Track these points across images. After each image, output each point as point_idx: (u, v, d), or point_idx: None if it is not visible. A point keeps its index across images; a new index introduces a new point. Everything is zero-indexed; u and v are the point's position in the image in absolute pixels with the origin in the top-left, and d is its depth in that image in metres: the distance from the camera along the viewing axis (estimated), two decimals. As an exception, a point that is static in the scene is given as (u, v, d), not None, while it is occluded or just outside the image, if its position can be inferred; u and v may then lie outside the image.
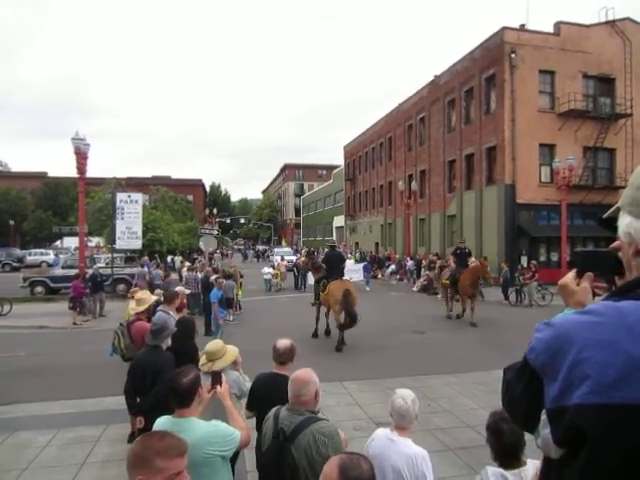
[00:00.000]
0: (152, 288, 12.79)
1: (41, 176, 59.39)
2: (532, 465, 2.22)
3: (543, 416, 0.98)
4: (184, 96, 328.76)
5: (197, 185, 68.08)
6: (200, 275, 14.74)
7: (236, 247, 71.56)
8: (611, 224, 1.13)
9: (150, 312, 5.83)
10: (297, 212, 77.06)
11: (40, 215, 53.67)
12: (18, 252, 39.67)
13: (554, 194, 21.32)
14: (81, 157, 15.64)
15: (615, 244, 1.12)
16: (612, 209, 1.12)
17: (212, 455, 2.45)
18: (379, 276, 27.68)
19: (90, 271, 15.64)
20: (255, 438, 3.00)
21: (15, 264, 35.54)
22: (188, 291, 10.99)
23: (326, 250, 12.49)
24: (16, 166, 70.62)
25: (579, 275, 1.20)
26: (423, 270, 23.00)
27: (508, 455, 2.28)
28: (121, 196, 19.66)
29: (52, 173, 59.57)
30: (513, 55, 22.17)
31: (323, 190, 61.12)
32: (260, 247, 61.14)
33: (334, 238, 50.00)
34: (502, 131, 22.46)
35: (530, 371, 1.01)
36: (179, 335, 4.67)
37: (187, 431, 2.33)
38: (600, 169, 23.72)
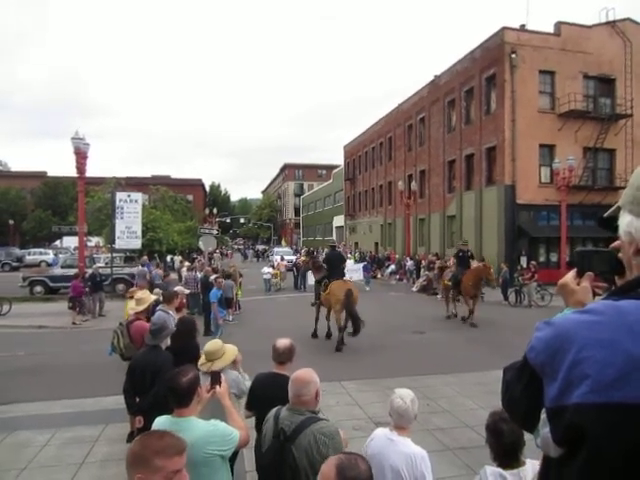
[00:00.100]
0: (152, 287, 12.79)
1: (41, 175, 59.38)
2: (531, 465, 2.22)
3: (543, 415, 0.98)
4: (184, 96, 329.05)
5: (197, 185, 68.08)
6: (199, 275, 14.74)
7: (236, 247, 71.57)
8: (610, 224, 1.13)
9: (149, 312, 5.83)
10: (297, 212, 77.07)
11: (39, 215, 53.67)
12: (17, 252, 39.63)
13: (554, 195, 21.32)
14: (81, 157, 15.64)
15: (615, 244, 1.11)
16: (612, 208, 1.11)
17: (211, 455, 2.44)
18: (378, 276, 27.69)
19: (89, 271, 15.63)
20: (254, 438, 3.00)
21: (14, 264, 35.51)
22: (187, 291, 10.99)
23: (327, 250, 12.48)
24: (16, 165, 70.69)
25: (579, 275, 1.20)
26: (422, 270, 23.00)
27: (507, 455, 2.28)
28: (121, 196, 19.66)
29: (52, 173, 59.62)
30: (513, 55, 22.18)
31: (323, 190, 61.12)
32: (260, 247, 61.14)
33: (334, 238, 50.00)
34: (502, 131, 22.47)
35: (530, 371, 1.01)
36: (181, 335, 4.67)
37: (186, 431, 2.33)
38: (600, 170, 23.73)
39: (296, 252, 40.42)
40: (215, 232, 29.09)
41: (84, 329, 13.11)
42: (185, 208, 44.98)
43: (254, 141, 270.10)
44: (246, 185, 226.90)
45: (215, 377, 2.91)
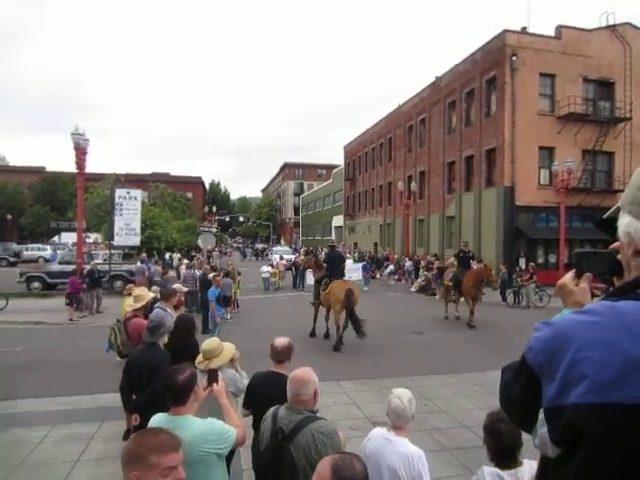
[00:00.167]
0: (151, 284, 12.79)
1: (39, 171, 59.27)
2: (528, 466, 2.22)
3: (541, 415, 0.98)
4: (184, 94, 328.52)
5: (196, 182, 68.02)
6: (198, 273, 14.73)
7: (235, 245, 71.53)
8: (608, 227, 1.12)
9: (147, 309, 5.82)
10: (296, 211, 77.05)
11: (38, 210, 53.56)
12: (15, 247, 39.54)
13: (553, 196, 21.36)
14: (80, 152, 15.61)
15: (614, 245, 1.12)
16: (612, 209, 1.12)
17: (208, 453, 2.44)
18: (377, 276, 27.70)
19: (87, 267, 15.61)
20: (251, 437, 2.99)
21: (12, 259, 35.41)
22: (186, 289, 10.99)
23: (327, 250, 12.45)
24: (14, 160, 70.53)
25: (578, 275, 1.20)
26: (421, 271, 23.01)
27: (505, 455, 2.29)
28: (120, 192, 19.62)
29: (51, 168, 59.51)
30: (514, 58, 22.21)
31: (323, 189, 61.12)
32: (259, 246, 61.13)
33: (333, 238, 50.02)
34: (502, 133, 22.50)
35: (528, 370, 1.01)
36: (180, 332, 4.66)
37: (183, 429, 2.32)
38: (599, 172, 23.79)
39: (295, 251, 40.42)
40: (214, 230, 29.06)
41: (81, 325, 13.08)
42: (184, 206, 44.97)
43: (254, 140, 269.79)
44: (246, 184, 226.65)
45: (212, 375, 2.90)
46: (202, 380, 2.88)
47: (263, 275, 21.19)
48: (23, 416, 6.12)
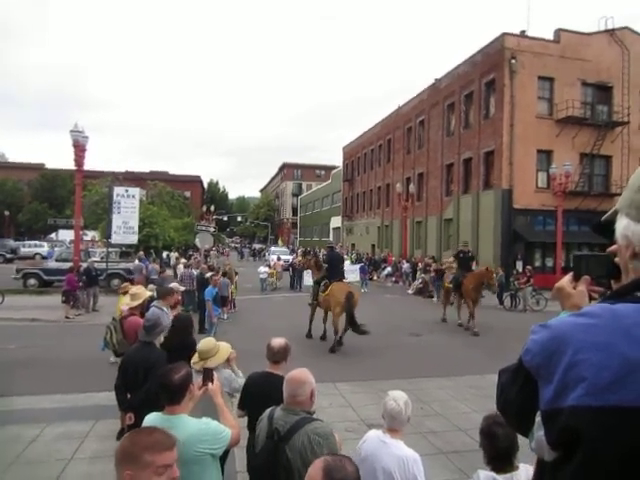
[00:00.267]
0: (148, 282, 12.75)
1: (38, 167, 59.12)
2: (524, 470, 2.22)
3: (537, 418, 0.97)
4: (184, 93, 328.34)
5: (195, 181, 67.92)
6: (195, 272, 14.70)
7: (232, 245, 71.46)
8: (605, 231, 1.12)
9: (144, 307, 5.80)
10: (294, 212, 77.05)
11: (36, 207, 53.42)
12: (12, 243, 39.39)
13: (550, 200, 21.43)
14: (79, 149, 15.59)
15: (612, 248, 1.11)
16: (610, 212, 1.11)
17: (202, 453, 2.43)
18: (374, 278, 27.71)
19: (84, 265, 15.55)
20: (246, 438, 2.98)
21: (8, 255, 35.28)
22: (183, 288, 10.95)
23: (327, 251, 12.38)
24: (14, 157, 70.28)
25: (576, 278, 1.20)
26: (419, 273, 23.03)
27: (501, 459, 2.28)
28: (118, 190, 19.58)
29: (50, 165, 59.36)
30: (513, 61, 22.28)
31: (321, 190, 61.14)
32: (256, 246, 61.09)
33: (331, 239, 50.02)
34: (500, 136, 22.55)
35: (525, 373, 1.00)
36: (177, 331, 4.65)
37: (177, 428, 2.31)
38: (596, 176, 23.87)
39: (293, 252, 40.39)
40: (212, 229, 29.03)
41: (77, 323, 13.04)
42: (182, 204, 44.93)
43: (253, 140, 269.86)
44: (244, 183, 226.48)
45: (207, 374, 2.89)
46: (197, 379, 2.87)
47: (261, 276, 21.17)
48: (17, 413, 6.09)
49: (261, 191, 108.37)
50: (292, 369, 2.65)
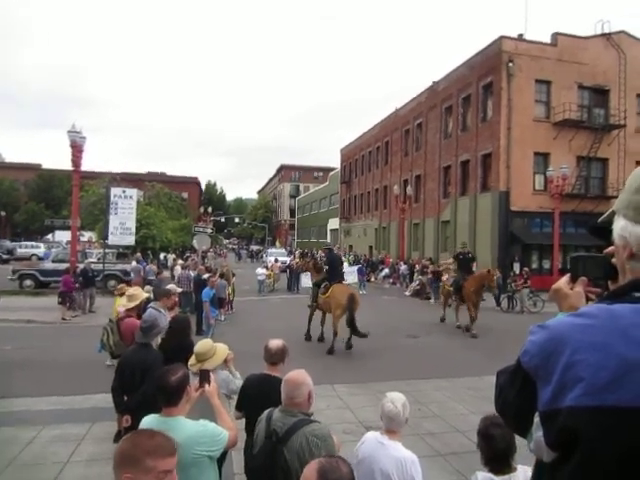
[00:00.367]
0: (145, 283, 12.71)
1: (35, 168, 58.95)
2: (522, 471, 2.22)
3: (536, 419, 0.98)
4: (182, 93, 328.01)
5: (192, 183, 67.86)
6: (193, 273, 14.67)
7: (230, 247, 71.36)
8: (602, 233, 1.13)
9: (141, 309, 5.78)
10: (292, 213, 77.02)
11: (32, 207, 53.25)
12: (8, 244, 39.22)
13: (547, 202, 21.50)
14: (77, 150, 15.54)
15: (609, 249, 1.12)
16: (607, 213, 1.12)
17: (200, 455, 2.42)
18: (372, 279, 27.72)
19: (81, 266, 15.50)
20: (244, 440, 2.97)
21: (5, 256, 35.11)
22: (180, 289, 10.92)
23: (326, 253, 12.31)
24: (11, 157, 70.07)
25: (573, 279, 1.20)
26: (416, 275, 23.05)
27: (499, 460, 2.28)
28: (115, 191, 19.54)
29: (47, 165, 59.20)
30: (510, 64, 22.37)
31: (319, 192, 61.16)
32: (254, 247, 61.04)
33: (328, 240, 50.05)
34: (498, 139, 22.63)
35: (523, 374, 1.00)
36: (175, 333, 4.63)
37: (175, 430, 2.30)
38: (593, 178, 23.98)
39: (290, 253, 40.36)
40: (209, 231, 29.01)
41: (73, 325, 12.99)
42: (180, 206, 44.89)
43: (252, 141, 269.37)
44: (242, 185, 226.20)
45: (204, 376, 2.88)
46: (194, 381, 2.86)
47: (258, 277, 21.13)
48: (13, 415, 6.06)
49: (259, 192, 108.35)
50: (290, 370, 2.65)
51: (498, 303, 17.57)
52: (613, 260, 1.10)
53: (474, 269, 13.91)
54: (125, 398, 4.08)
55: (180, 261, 21.21)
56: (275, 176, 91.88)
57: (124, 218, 19.05)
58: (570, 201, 22.02)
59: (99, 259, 20.11)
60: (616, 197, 1.11)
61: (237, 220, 78.57)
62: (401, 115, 34.57)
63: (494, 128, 23.06)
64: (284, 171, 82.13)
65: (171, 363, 3.00)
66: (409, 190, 28.59)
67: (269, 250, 42.66)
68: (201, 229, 25.77)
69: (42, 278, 19.29)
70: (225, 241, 77.33)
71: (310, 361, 8.25)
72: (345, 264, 23.32)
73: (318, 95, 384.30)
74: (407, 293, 22.24)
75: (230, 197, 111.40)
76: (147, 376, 3.77)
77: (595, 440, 0.85)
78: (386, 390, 3.06)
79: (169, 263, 26.58)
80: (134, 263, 19.05)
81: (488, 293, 13.61)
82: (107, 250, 20.34)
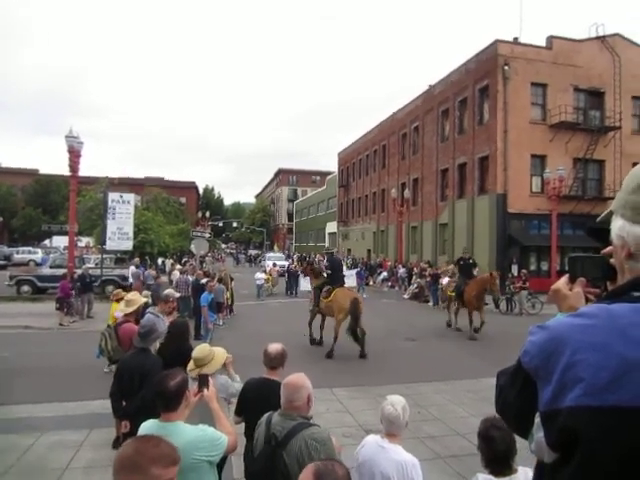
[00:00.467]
0: (145, 288, 12.67)
1: (32, 173, 58.90)
2: (523, 473, 2.21)
3: (537, 419, 0.98)
4: (179, 98, 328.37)
5: (190, 187, 67.90)
6: (191, 278, 14.64)
7: (228, 251, 71.32)
8: (598, 234, 1.13)
9: (139, 314, 5.76)
10: (290, 217, 77.05)
11: (30, 212, 53.17)
12: (5, 250, 39.07)
13: (545, 204, 21.56)
14: (74, 155, 15.53)
15: (607, 250, 1.12)
16: (605, 213, 1.12)
17: (199, 460, 2.40)
18: (370, 283, 27.72)
19: (79, 271, 15.45)
20: (243, 445, 2.95)
21: (2, 262, 34.93)
22: (178, 294, 10.90)
23: (328, 256, 12.25)
24: (8, 162, 69.92)
25: (571, 280, 1.21)
26: (414, 278, 23.06)
27: (499, 462, 2.28)
28: (113, 196, 19.54)
29: (44, 170, 59.16)
30: (506, 67, 22.49)
31: (316, 196, 61.22)
32: (252, 251, 61.01)
33: (327, 244, 50.07)
34: (494, 141, 22.72)
35: (524, 375, 1.00)
36: (174, 337, 4.62)
37: (174, 435, 2.28)
38: (590, 180, 24.07)
39: (288, 257, 40.36)
40: (207, 235, 29.00)
41: (71, 330, 12.92)
42: (178, 210, 44.91)
43: (249, 146, 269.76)
44: (240, 189, 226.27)
45: (203, 380, 2.87)
46: (193, 386, 2.85)
47: (257, 282, 21.09)
48: (11, 422, 6.02)
49: (256, 197, 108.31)
50: (289, 374, 2.65)
51: (497, 305, 17.59)
52: (611, 260, 1.10)
53: (475, 274, 13.84)
54: (124, 403, 4.07)
55: (178, 266, 21.17)
56: (273, 180, 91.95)
57: (122, 223, 19.04)
58: (567, 203, 22.09)
59: (97, 264, 20.06)
60: (613, 198, 1.11)
61: (235, 224, 78.57)
62: (398, 118, 34.68)
63: (491, 131, 23.15)
64: (282, 175, 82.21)
65: (170, 368, 2.99)
66: (407, 193, 28.64)
67: (267, 254, 42.62)
68: (199, 234, 25.76)
69: (40, 284, 19.21)
70: (223, 245, 77.32)
71: (309, 365, 8.22)
72: (343, 268, 23.40)
73: (316, 97, 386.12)
74: (405, 296, 22.23)
75: (228, 202, 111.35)
76: (146, 381, 3.75)
77: (595, 440, 0.85)
78: (386, 393, 3.06)
79: (167, 268, 26.52)
80: (133, 268, 19.01)
81: (488, 295, 13.42)
82: (105, 255, 20.32)
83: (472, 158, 24.83)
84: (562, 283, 1.21)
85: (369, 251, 38.23)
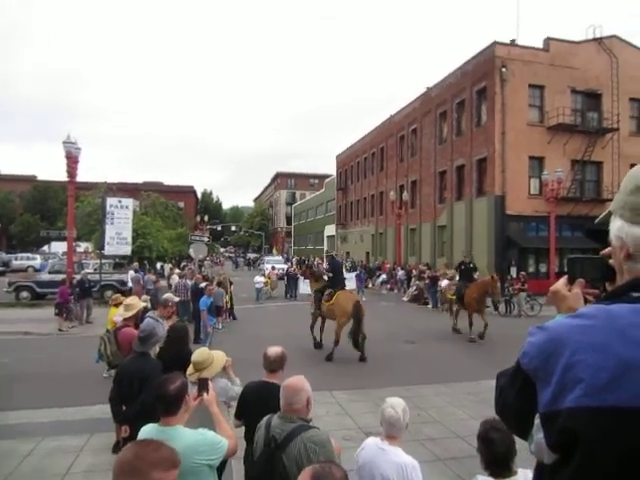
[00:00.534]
0: (145, 292, 12.65)
1: (30, 179, 58.90)
2: (523, 475, 2.21)
3: (537, 421, 0.98)
4: (176, 102, 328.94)
5: (188, 192, 67.88)
6: (190, 282, 14.63)
7: (227, 255, 71.26)
8: (597, 236, 1.14)
9: (138, 318, 5.75)
10: (288, 220, 77.06)
11: (28, 219, 53.11)
12: (4, 256, 39.01)
13: (543, 206, 21.60)
14: (72, 161, 15.55)
15: (606, 251, 1.12)
16: (603, 214, 1.12)
17: (199, 464, 2.40)
18: (369, 285, 27.71)
19: (78, 277, 15.43)
20: (243, 449, 2.95)
21: (0, 268, 34.90)
22: (177, 298, 10.88)
23: (329, 259, 12.22)
24: (6, 169, 69.88)
25: (570, 281, 1.21)
26: (413, 280, 23.06)
27: (499, 464, 2.28)
28: (111, 201, 19.53)
29: (42, 176, 59.19)
30: (504, 69, 22.58)
31: (315, 199, 61.27)
32: (251, 255, 60.98)
33: (325, 247, 50.09)
34: (492, 143, 22.77)
35: (523, 376, 1.01)
36: (173, 342, 4.62)
37: (174, 439, 2.28)
38: (588, 182, 24.13)
39: (287, 261, 40.34)
40: (206, 239, 28.99)
41: (71, 336, 12.89)
42: (176, 215, 44.84)
43: (247, 149, 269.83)
44: (238, 193, 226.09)
45: (202, 384, 2.86)
46: (193, 390, 2.85)
47: (257, 285, 21.07)
48: (11, 428, 5.99)
49: (255, 200, 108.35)
50: (288, 377, 2.64)
51: (496, 307, 17.59)
52: (610, 261, 1.10)
53: (475, 278, 13.81)
54: (123, 408, 4.06)
55: (177, 270, 21.16)
56: (271, 184, 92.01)
57: (120, 228, 19.03)
58: (565, 204, 22.13)
59: (96, 269, 20.04)
60: (611, 200, 1.12)
61: (233, 228, 78.46)
62: (396, 121, 34.76)
63: (488, 133, 23.21)
64: (280, 179, 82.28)
65: (169, 372, 2.99)
66: (405, 196, 28.68)
67: (266, 258, 42.60)
68: (197, 238, 25.76)
69: (38, 289, 19.18)
70: (222, 249, 77.25)
71: (309, 368, 8.20)
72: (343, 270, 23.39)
73: (315, 99, 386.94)
74: (405, 299, 22.22)
75: (226, 205, 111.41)
76: (145, 385, 3.75)
77: (595, 441, 0.85)
78: (385, 396, 3.05)
79: (166, 272, 26.49)
80: (132, 273, 18.99)
81: (488, 298, 13.33)
82: (104, 260, 20.30)
83: (470, 160, 24.89)
84: (561, 284, 1.22)
85: (368, 254, 38.24)
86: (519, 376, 1.02)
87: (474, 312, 12.58)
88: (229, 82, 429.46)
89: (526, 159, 22.92)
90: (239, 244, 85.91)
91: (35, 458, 5.19)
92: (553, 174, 20.52)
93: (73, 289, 14.34)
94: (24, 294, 19.08)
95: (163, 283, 19.09)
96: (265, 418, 2.53)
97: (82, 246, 32.24)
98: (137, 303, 5.88)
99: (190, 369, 3.59)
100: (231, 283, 16.75)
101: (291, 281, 22.40)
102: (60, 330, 13.21)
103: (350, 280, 22.06)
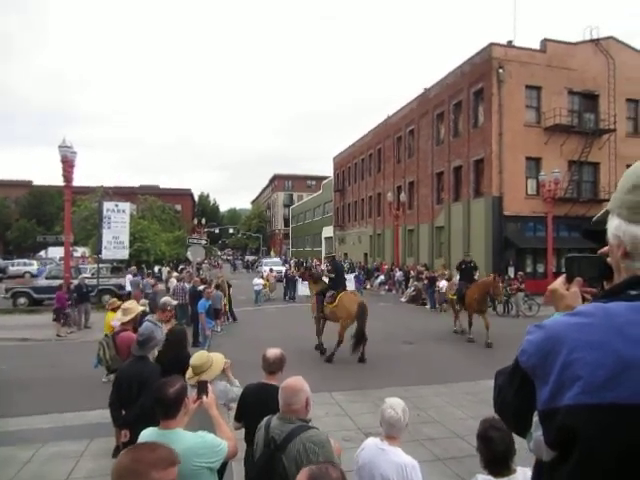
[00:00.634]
0: (144, 296, 12.62)
1: (26, 184, 58.70)
2: (522, 473, 2.22)
3: (535, 418, 0.98)
4: (173, 105, 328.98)
5: (185, 195, 67.77)
6: (188, 285, 14.60)
7: (225, 257, 71.19)
8: (594, 236, 1.15)
9: (136, 322, 5.75)
10: (286, 222, 77.08)
11: (24, 224, 52.84)
12: (1, 262, 38.83)
13: (540, 206, 21.65)
14: (68, 165, 15.49)
15: (603, 249, 1.13)
16: (601, 212, 1.13)
17: (199, 467, 2.40)
18: (368, 286, 27.72)
19: (75, 281, 15.38)
20: (243, 450, 2.94)
21: (-3, 275, 34.74)
22: (175, 302, 10.87)
23: (331, 260, 12.10)
24: (1, 174, 69.85)
25: (568, 280, 1.22)
26: (411, 281, 23.08)
27: (498, 463, 2.28)
28: (108, 205, 19.48)
29: (38, 181, 59.05)
30: (501, 70, 22.66)
31: (312, 201, 61.29)
32: (249, 257, 60.95)
33: (323, 249, 50.08)
34: (489, 144, 22.84)
35: (521, 374, 1.01)
36: (172, 345, 4.61)
37: (174, 443, 2.27)
38: (585, 182, 24.22)
39: (285, 263, 40.32)
40: (203, 242, 28.92)
41: (69, 341, 12.84)
42: (173, 218, 44.76)
43: (244, 151, 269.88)
44: (235, 195, 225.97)
45: (202, 387, 2.86)
46: (192, 393, 2.85)
47: (255, 287, 21.06)
48: (10, 435, 5.97)
49: (252, 203, 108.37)
50: (287, 378, 2.65)
51: (494, 307, 17.61)
52: (608, 260, 1.11)
53: (476, 277, 13.79)
54: (123, 412, 4.05)
55: (175, 273, 21.11)
56: (268, 186, 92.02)
57: (117, 232, 18.98)
58: (562, 205, 22.20)
59: (93, 274, 19.97)
60: (608, 200, 1.13)
61: (231, 231, 78.49)
62: (393, 122, 34.84)
63: (486, 134, 23.29)
64: (277, 181, 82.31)
65: (168, 375, 2.98)
66: (402, 197, 28.73)
67: (264, 260, 42.55)
68: (195, 241, 25.66)
69: (36, 295, 19.09)
70: (220, 252, 77.18)
71: (308, 369, 8.18)
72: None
73: (313, 100, 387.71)
74: (403, 299, 22.23)
75: (224, 208, 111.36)
76: (144, 389, 3.74)
77: (593, 438, 0.86)
78: (384, 397, 3.06)
79: (164, 276, 26.42)
80: (131, 277, 18.94)
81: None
82: (101, 265, 20.24)
83: (467, 161, 24.95)
84: (559, 283, 1.23)
85: (366, 255, 38.25)
86: (517, 374, 1.03)
87: (475, 313, 12.51)
88: (226, 84, 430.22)
89: (523, 160, 22.99)
90: (237, 247, 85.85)
91: (35, 464, 5.16)
92: (550, 175, 20.58)
93: (71, 294, 14.29)
94: (21, 300, 18.98)
95: (161, 286, 19.05)
96: (265, 419, 2.54)
97: (79, 251, 32.12)
98: (135, 307, 5.87)
99: (189, 373, 3.58)
100: (230, 286, 16.73)
101: (289, 283, 22.40)
102: (58, 336, 13.15)
103: (349, 282, 22.09)
